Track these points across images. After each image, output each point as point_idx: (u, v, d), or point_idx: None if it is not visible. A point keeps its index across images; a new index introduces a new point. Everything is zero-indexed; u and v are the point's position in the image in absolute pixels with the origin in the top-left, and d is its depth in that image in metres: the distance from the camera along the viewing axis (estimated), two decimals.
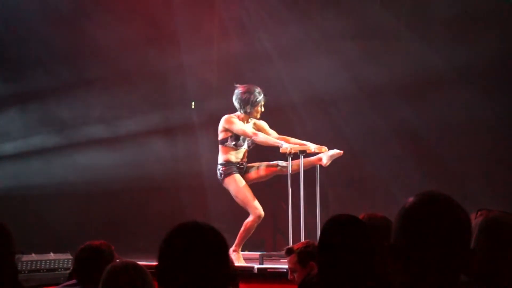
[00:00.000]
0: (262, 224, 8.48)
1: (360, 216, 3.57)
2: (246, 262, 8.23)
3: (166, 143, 12.19)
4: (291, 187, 8.14)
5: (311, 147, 8.10)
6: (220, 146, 8.33)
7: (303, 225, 8.05)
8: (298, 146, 8.13)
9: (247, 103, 8.21)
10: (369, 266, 3.19)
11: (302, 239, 7.48)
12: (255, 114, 8.28)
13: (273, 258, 8.39)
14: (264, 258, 8.16)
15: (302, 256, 5.05)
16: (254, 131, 8.22)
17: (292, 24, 11.36)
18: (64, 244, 8.46)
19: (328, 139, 8.83)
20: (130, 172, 11.79)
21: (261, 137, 8.16)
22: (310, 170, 8.18)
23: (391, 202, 9.89)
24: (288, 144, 8.12)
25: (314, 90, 11.25)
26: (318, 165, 8.18)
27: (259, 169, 8.37)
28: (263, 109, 8.31)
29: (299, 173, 8.11)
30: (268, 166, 8.37)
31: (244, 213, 8.40)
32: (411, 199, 2.15)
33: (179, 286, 2.43)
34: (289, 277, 5.23)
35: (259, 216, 8.20)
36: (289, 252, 5.17)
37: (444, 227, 2.08)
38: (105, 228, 10.89)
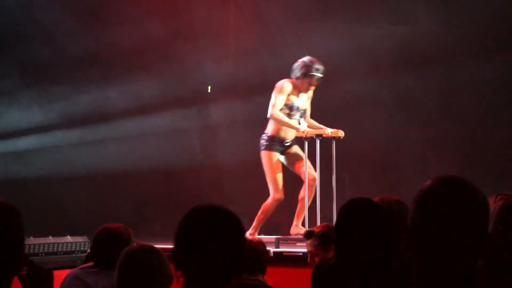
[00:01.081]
0: (278, 208, 8.49)
1: (375, 199, 3.56)
2: None
3: (183, 130, 12.19)
4: (308, 170, 8.13)
5: (327, 131, 8.07)
6: (271, 114, 8.21)
7: (319, 208, 8.04)
8: (314, 130, 8.11)
9: (299, 70, 8.14)
10: (385, 249, 3.19)
11: (318, 223, 7.47)
12: (304, 85, 8.20)
13: (289, 242, 8.38)
14: (280, 241, 8.16)
15: (323, 239, 4.81)
16: (277, 110, 8.14)
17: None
18: (81, 227, 8.49)
19: (343, 123, 8.78)
20: (147, 157, 11.84)
21: (280, 117, 8.09)
22: (326, 154, 8.15)
23: (407, 185, 9.87)
24: (304, 128, 8.10)
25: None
26: (334, 149, 8.13)
27: (297, 155, 8.34)
28: (313, 87, 8.21)
29: (315, 157, 8.08)
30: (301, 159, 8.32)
31: (262, 197, 8.41)
32: (428, 182, 2.14)
33: (196, 269, 2.44)
34: (308, 261, 4.96)
35: (278, 200, 8.21)
36: (309, 235, 4.96)
37: (460, 210, 2.06)
38: (122, 211, 10.94)
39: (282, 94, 8.10)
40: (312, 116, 8.44)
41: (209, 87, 12.32)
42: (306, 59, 8.18)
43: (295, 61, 8.26)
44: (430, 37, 10.89)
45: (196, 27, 11.81)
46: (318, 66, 8.14)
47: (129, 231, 4.54)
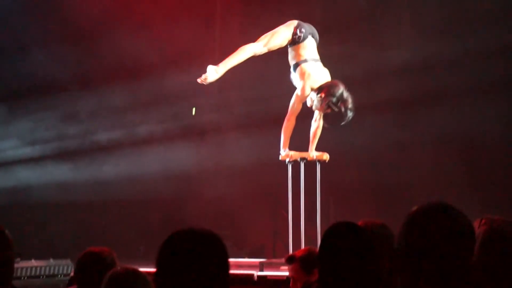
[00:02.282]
0: (262, 231, 8.49)
1: (359, 223, 3.56)
2: (245, 269, 8.21)
3: (166, 152, 12.20)
4: (292, 194, 8.12)
5: (312, 154, 8.07)
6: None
7: (304, 232, 8.03)
8: (298, 153, 8.09)
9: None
10: (370, 273, 3.19)
11: (303, 246, 7.46)
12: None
13: (273, 265, 8.36)
14: (264, 265, 8.14)
15: (305, 263, 4.72)
16: (289, 115, 7.96)
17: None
18: (64, 251, 8.45)
19: (333, 147, 8.79)
20: (128, 181, 11.83)
21: (284, 125, 8.01)
22: (311, 178, 8.15)
23: (391, 210, 9.89)
24: (287, 151, 8.05)
25: None
26: (318, 174, 8.13)
27: None
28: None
29: (299, 180, 8.08)
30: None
31: (243, 220, 8.40)
32: (415, 208, 2.17)
33: None
34: (291, 286, 4.85)
35: None
36: (291, 260, 4.84)
37: (446, 236, 2.08)
38: (106, 235, 10.91)
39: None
40: (296, 141, 8.40)
41: (194, 109, 12.33)
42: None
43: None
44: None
45: (184, 53, 11.86)
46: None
47: (113, 254, 4.52)
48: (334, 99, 7.68)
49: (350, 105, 7.70)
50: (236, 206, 10.53)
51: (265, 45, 7.99)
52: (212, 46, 12.11)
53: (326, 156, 8.07)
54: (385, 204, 10.77)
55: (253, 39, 8.10)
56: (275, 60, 8.74)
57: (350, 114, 7.71)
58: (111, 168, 11.91)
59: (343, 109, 7.67)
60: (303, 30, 7.98)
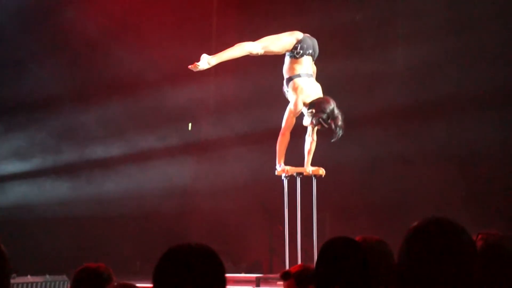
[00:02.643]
0: (258, 246, 8.46)
1: (357, 239, 3.55)
2: (242, 285, 8.20)
3: (162, 167, 12.21)
4: (288, 209, 8.10)
5: (308, 168, 8.06)
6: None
7: (300, 247, 8.01)
8: (294, 168, 8.08)
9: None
10: None
11: (299, 261, 7.45)
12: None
13: (269, 280, 8.34)
14: (261, 280, 8.12)
15: (300, 279, 4.64)
16: (283, 130, 7.94)
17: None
18: (60, 267, 8.43)
19: (329, 161, 8.79)
20: (124, 197, 11.82)
21: (279, 140, 8.01)
22: (307, 193, 8.14)
23: (389, 225, 9.89)
24: (283, 166, 8.02)
25: None
26: (315, 188, 8.12)
27: None
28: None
29: (296, 195, 8.06)
30: None
31: (240, 235, 8.38)
32: (416, 222, 2.17)
33: None
34: None
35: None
36: (286, 276, 4.71)
37: (447, 251, 2.08)
38: (102, 251, 10.88)
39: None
40: (292, 157, 8.39)
41: (189, 125, 12.34)
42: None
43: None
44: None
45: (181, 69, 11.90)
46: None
47: (109, 270, 4.51)
48: (324, 116, 7.71)
49: (340, 123, 7.72)
50: (233, 221, 10.52)
51: (263, 48, 8.00)
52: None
53: (322, 171, 8.07)
54: (381, 219, 10.76)
55: (249, 56, 8.09)
56: (272, 75, 8.75)
57: (340, 131, 7.74)
58: (108, 184, 11.90)
59: (333, 126, 7.69)
60: (304, 46, 7.99)
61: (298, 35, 8.03)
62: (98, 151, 11.97)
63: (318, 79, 8.11)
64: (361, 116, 11.16)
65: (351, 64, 11.33)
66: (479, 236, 2.82)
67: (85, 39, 11.87)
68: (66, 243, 11.40)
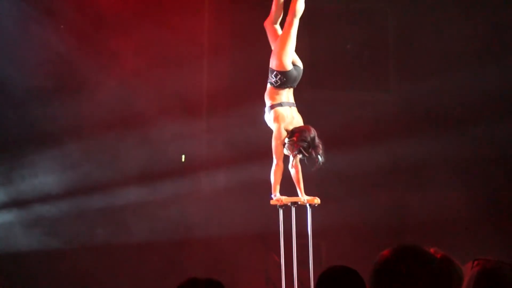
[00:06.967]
0: (254, 277, 8.43)
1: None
2: None
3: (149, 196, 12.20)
4: (283, 238, 8.08)
5: (303, 198, 8.05)
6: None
7: (296, 277, 7.98)
8: (289, 198, 8.06)
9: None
10: None
11: None
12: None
13: None
14: None
15: None
16: (275, 159, 7.88)
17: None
18: None
19: (323, 189, 8.79)
20: (120, 226, 11.80)
21: (272, 170, 7.95)
22: (302, 222, 8.12)
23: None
24: (278, 196, 7.99)
25: None
26: (310, 218, 8.10)
27: None
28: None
29: (291, 225, 8.04)
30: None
31: (235, 265, 8.35)
32: (384, 252, 2.16)
33: None
34: None
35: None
36: None
37: (416, 279, 2.08)
38: (100, 282, 10.84)
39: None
40: (286, 185, 8.39)
41: (183, 156, 12.33)
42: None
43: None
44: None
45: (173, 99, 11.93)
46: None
47: None
48: (305, 144, 7.73)
49: (320, 151, 7.75)
50: (228, 252, 10.47)
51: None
52: (200, 90, 12.16)
53: (317, 200, 8.06)
54: (377, 247, 10.74)
55: (243, 85, 8.13)
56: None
57: (321, 160, 7.76)
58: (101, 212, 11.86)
59: (313, 155, 7.72)
60: (284, 79, 7.98)
61: (289, 66, 7.95)
62: (94, 175, 11.94)
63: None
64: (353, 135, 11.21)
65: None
66: (475, 263, 2.82)
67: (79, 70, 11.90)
68: (61, 276, 11.34)
